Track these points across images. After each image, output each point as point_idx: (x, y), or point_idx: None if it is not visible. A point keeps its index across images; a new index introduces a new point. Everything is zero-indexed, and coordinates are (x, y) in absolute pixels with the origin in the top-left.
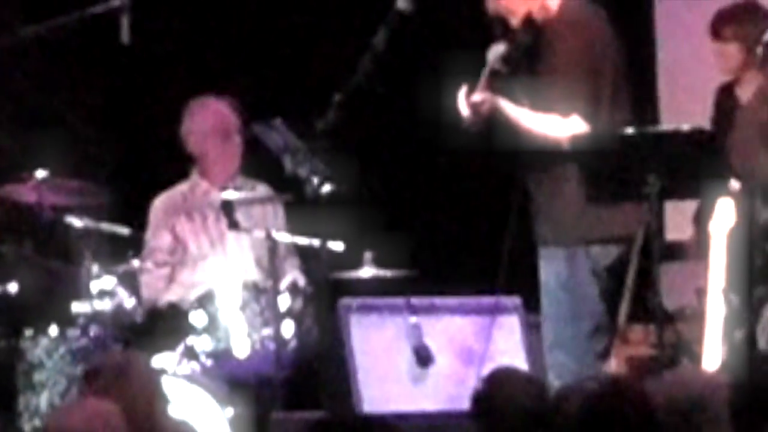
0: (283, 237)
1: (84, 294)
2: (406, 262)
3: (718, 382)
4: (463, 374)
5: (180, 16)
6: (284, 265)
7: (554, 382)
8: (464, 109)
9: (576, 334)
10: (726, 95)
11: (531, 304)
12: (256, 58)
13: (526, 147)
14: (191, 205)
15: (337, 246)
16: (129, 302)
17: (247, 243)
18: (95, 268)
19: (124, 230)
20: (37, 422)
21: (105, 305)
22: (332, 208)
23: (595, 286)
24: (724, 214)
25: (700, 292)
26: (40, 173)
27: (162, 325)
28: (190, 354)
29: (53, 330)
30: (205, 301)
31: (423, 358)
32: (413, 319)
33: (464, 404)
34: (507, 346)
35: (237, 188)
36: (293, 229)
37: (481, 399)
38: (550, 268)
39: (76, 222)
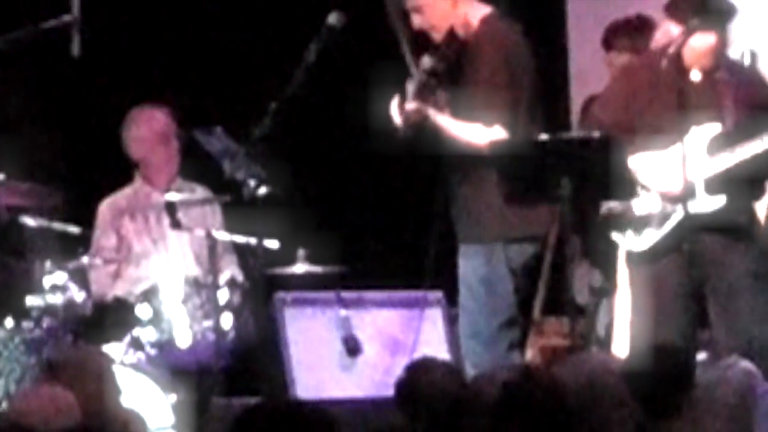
0: (222, 235)
1: (37, 288)
2: (336, 258)
3: (615, 365)
4: (389, 363)
5: (126, 31)
6: (223, 261)
7: (470, 370)
8: (396, 117)
9: (491, 326)
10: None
11: (453, 299)
12: (197, 70)
13: (449, 152)
14: (135, 207)
15: (272, 244)
16: (79, 296)
17: (187, 241)
18: (48, 265)
19: (74, 230)
20: None
21: (57, 299)
22: (268, 209)
23: (510, 282)
24: None
25: (593, 290)
26: None
27: (109, 317)
28: (136, 344)
29: (8, 322)
30: (149, 295)
31: (352, 348)
32: (343, 312)
33: (390, 391)
34: (430, 337)
35: (178, 190)
36: (231, 228)
37: (403, 387)
38: (470, 264)
39: (30, 222)
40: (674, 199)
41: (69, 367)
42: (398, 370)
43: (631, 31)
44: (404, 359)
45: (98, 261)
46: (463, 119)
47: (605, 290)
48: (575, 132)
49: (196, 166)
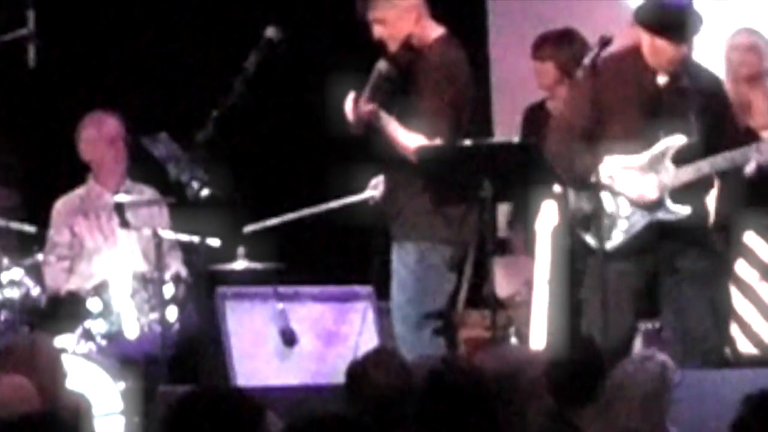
0: (168, 234)
1: None
2: (274, 256)
3: (533, 356)
4: (323, 353)
5: (78, 44)
6: (168, 258)
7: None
8: (350, 115)
9: (421, 318)
10: (537, 112)
11: (383, 293)
12: (144, 80)
13: (392, 155)
14: (87, 206)
15: (214, 242)
16: (34, 291)
17: (135, 239)
18: (5, 261)
19: (30, 228)
20: None
21: (14, 293)
22: (210, 209)
23: (439, 278)
24: (548, 215)
25: (529, 283)
26: None
27: (63, 310)
28: (87, 335)
29: None
30: (100, 289)
31: (288, 339)
32: (280, 306)
33: (324, 379)
34: (361, 328)
35: (126, 191)
36: (176, 227)
37: (355, 374)
38: (402, 260)
39: None
40: (644, 206)
41: (25, 356)
42: (331, 359)
43: (557, 43)
44: (337, 349)
45: (52, 258)
46: (409, 126)
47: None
48: (496, 138)
49: (144, 169)
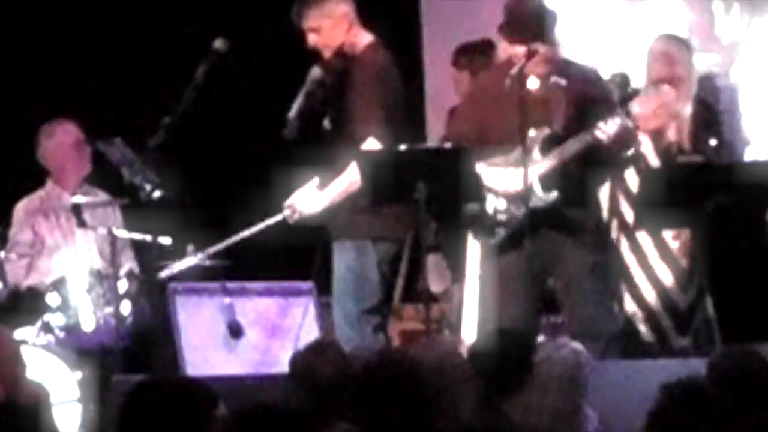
0: (122, 233)
1: None
2: (221, 253)
3: (464, 347)
4: (267, 344)
5: (36, 55)
6: (122, 256)
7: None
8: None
9: (359, 312)
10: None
11: (323, 288)
12: (100, 90)
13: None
14: (48, 207)
15: (165, 240)
16: None
17: (92, 238)
18: None
19: None
20: None
21: None
22: (161, 210)
23: (376, 274)
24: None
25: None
26: None
27: (23, 304)
28: (46, 328)
29: None
30: (58, 285)
31: (235, 331)
32: (227, 300)
33: (268, 368)
34: (303, 321)
35: (84, 194)
36: (130, 227)
37: (297, 364)
38: (341, 257)
39: None
40: (516, 199)
41: None
42: (275, 350)
43: (472, 53)
44: (280, 341)
45: (13, 255)
46: (343, 129)
47: (458, 280)
48: (430, 143)
49: (99, 172)
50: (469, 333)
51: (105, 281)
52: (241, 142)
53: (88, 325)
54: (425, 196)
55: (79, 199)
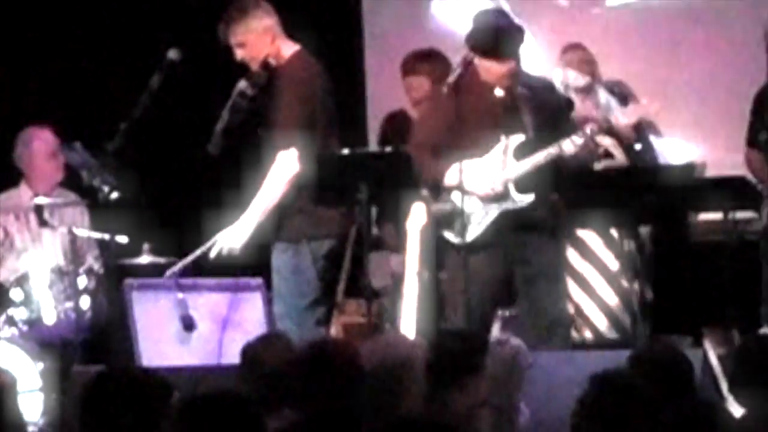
0: (81, 232)
1: None
2: (175, 251)
3: (419, 345)
4: (218, 337)
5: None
6: (88, 253)
7: None
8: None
9: (299, 307)
10: (398, 120)
11: (272, 284)
12: (62, 97)
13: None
14: (18, 208)
15: (122, 239)
16: None
17: (57, 237)
18: None
19: None
20: None
21: None
22: (119, 210)
23: (314, 271)
24: (417, 215)
25: (395, 275)
26: None
27: None
28: (10, 322)
29: None
30: (21, 281)
31: (188, 324)
32: (180, 295)
33: (219, 359)
34: (252, 315)
35: (57, 196)
36: (89, 226)
37: (247, 354)
38: (281, 257)
39: None
40: (490, 200)
41: None
42: (226, 342)
43: (426, 59)
44: (231, 333)
45: None
46: (268, 139)
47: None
48: (371, 147)
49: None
50: (408, 327)
51: (65, 277)
52: (193, 147)
53: (49, 318)
54: (367, 198)
55: (41, 200)
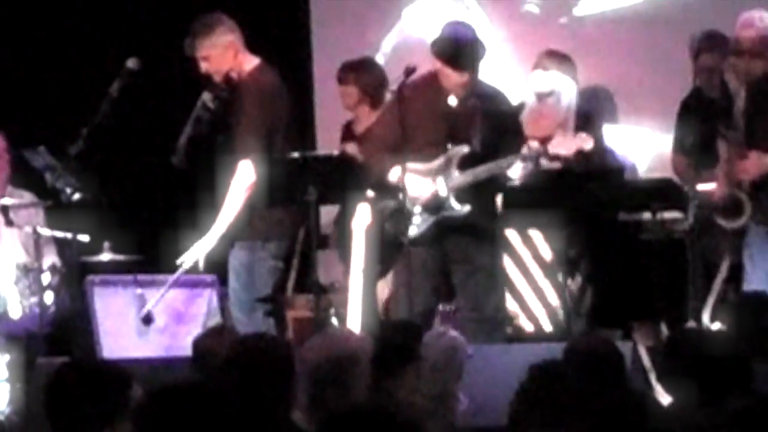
0: (45, 231)
1: None
2: (134, 249)
3: (366, 340)
4: (175, 331)
5: None
6: (46, 251)
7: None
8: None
9: (251, 301)
10: (349, 128)
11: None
12: (26, 102)
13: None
14: None
15: (84, 238)
16: None
17: (17, 235)
18: None
19: None
20: None
21: None
22: (80, 210)
23: (265, 268)
24: (362, 215)
25: (345, 272)
26: None
27: None
28: None
29: None
30: None
31: (146, 319)
32: (139, 291)
33: (176, 352)
34: (207, 309)
35: (10, 195)
36: (52, 225)
37: (199, 347)
38: (236, 255)
39: None
40: (431, 206)
41: None
42: (182, 335)
43: (357, 69)
44: (186, 327)
45: None
46: (228, 144)
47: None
48: (319, 151)
49: (25, 176)
50: (354, 321)
51: (30, 274)
52: (151, 150)
53: (15, 313)
54: (316, 200)
55: (6, 200)
